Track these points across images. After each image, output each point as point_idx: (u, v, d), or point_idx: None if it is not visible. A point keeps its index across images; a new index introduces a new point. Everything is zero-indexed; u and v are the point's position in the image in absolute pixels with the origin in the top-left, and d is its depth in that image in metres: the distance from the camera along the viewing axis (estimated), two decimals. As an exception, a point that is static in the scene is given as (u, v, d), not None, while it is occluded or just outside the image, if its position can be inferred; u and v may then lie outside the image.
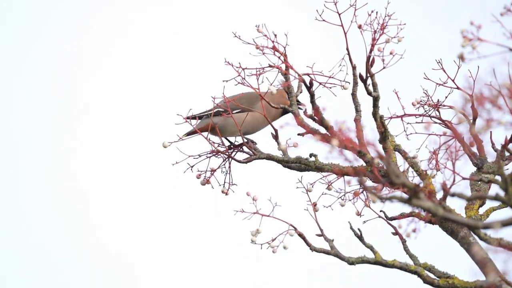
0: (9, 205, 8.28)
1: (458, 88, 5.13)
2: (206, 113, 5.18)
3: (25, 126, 8.60)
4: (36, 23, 8.86)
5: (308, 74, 4.81)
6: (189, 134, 5.14)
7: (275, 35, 4.80)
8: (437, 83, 5.16)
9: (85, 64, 8.75)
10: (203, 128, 5.14)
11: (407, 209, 4.90)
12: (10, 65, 8.75)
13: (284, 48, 4.82)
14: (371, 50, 4.69)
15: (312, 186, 5.08)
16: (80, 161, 8.41)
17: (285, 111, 5.15)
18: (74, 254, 8.14)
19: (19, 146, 8.53)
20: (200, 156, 5.11)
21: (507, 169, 5.00)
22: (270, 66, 4.86)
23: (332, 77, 4.87)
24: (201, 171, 5.10)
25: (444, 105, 5.19)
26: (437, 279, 4.80)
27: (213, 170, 5.11)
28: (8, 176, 8.40)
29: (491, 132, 5.04)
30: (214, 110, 5.12)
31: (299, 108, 5.05)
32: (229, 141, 5.20)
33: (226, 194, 5.12)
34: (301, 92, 5.10)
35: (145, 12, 8.85)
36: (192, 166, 5.09)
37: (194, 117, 5.21)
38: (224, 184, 5.13)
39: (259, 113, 5.08)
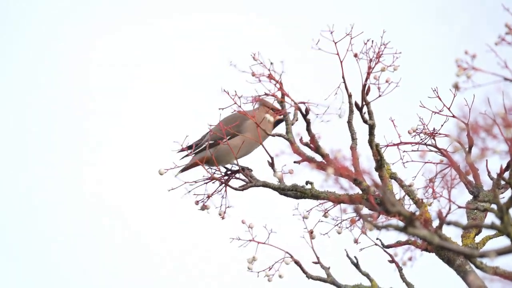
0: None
1: (453, 116, 5.14)
2: (202, 146, 5.20)
3: (35, 154, 8.60)
4: (40, 52, 8.89)
5: (304, 102, 4.82)
6: (185, 168, 5.18)
7: (271, 63, 4.82)
8: (433, 111, 5.18)
9: (86, 91, 8.77)
10: (201, 160, 5.15)
11: (403, 237, 4.90)
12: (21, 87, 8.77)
13: (280, 75, 4.83)
14: (367, 78, 4.71)
15: (309, 214, 5.08)
16: (81, 187, 8.40)
17: (278, 121, 5.20)
18: None
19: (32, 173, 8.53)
20: (196, 182, 5.12)
21: (503, 197, 5.01)
22: (266, 94, 4.87)
23: (327, 106, 4.88)
24: (198, 194, 5.10)
25: (440, 134, 5.20)
26: (434, 307, 4.79)
27: (209, 196, 5.11)
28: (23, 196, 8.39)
29: (486, 160, 5.05)
30: (209, 142, 5.15)
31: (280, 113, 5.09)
32: (225, 167, 5.20)
33: (223, 217, 5.12)
34: (297, 120, 5.11)
35: (143, 41, 8.89)
36: (189, 191, 5.09)
37: (189, 147, 5.23)
38: (220, 207, 5.13)
39: (253, 139, 5.09)
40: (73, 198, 8.35)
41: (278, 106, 5.19)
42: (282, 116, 5.14)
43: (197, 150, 5.21)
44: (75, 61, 8.82)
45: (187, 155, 5.16)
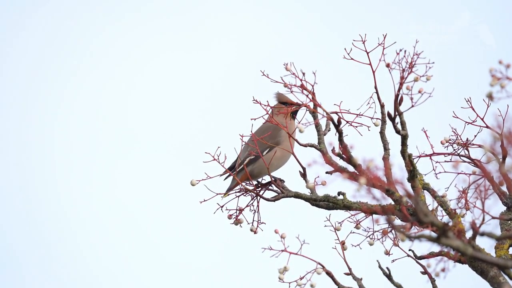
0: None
1: (487, 126, 5.11)
2: (241, 166, 5.22)
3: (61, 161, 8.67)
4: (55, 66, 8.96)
5: (336, 112, 4.82)
6: (229, 189, 5.19)
7: (303, 74, 4.82)
8: (466, 122, 5.15)
9: (117, 100, 8.82)
10: (242, 178, 5.17)
11: (436, 248, 4.87)
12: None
13: (312, 86, 4.83)
14: (399, 89, 4.69)
15: (341, 225, 5.07)
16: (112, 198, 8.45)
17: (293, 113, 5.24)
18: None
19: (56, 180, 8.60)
20: (228, 194, 5.13)
21: (537, 208, 4.97)
22: (298, 104, 4.87)
23: (360, 115, 4.88)
24: (231, 210, 5.12)
25: (473, 144, 5.17)
26: (467, 319, 4.75)
27: (241, 209, 5.13)
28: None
29: (521, 171, 5.01)
30: (247, 160, 5.18)
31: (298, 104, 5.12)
32: (257, 180, 5.22)
33: (255, 232, 5.13)
34: (329, 130, 5.11)
35: (174, 48, 8.93)
36: (222, 206, 5.11)
37: (231, 168, 5.26)
38: (252, 223, 5.14)
39: (286, 150, 5.10)
40: (103, 207, 8.40)
41: (291, 98, 5.19)
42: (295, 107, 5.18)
43: (239, 170, 5.23)
44: (111, 61, 8.89)
45: (225, 174, 5.17)
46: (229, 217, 5.14)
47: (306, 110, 4.97)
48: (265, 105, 4.90)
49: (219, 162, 4.97)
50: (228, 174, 5.17)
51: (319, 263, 4.86)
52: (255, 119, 4.92)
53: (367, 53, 4.79)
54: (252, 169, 5.23)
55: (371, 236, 5.10)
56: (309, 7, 8.73)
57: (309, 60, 5.16)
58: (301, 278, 4.85)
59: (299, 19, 8.77)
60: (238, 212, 5.14)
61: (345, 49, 4.80)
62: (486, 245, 4.80)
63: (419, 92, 4.67)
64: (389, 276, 4.89)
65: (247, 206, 5.14)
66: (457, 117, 5.17)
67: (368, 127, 4.91)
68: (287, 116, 5.22)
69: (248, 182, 5.18)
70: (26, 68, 8.88)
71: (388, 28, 4.85)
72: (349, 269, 4.92)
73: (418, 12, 8.35)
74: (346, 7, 8.52)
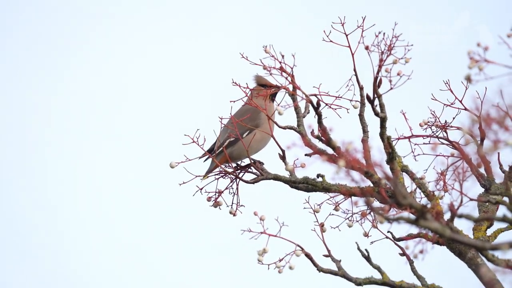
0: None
1: (465, 109, 5.13)
2: (220, 148, 5.21)
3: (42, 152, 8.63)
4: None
5: (315, 95, 4.82)
6: (208, 172, 5.18)
7: (283, 56, 4.81)
8: (444, 104, 5.17)
9: (97, 82, 8.79)
10: (221, 161, 5.17)
11: (414, 230, 4.89)
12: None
13: (292, 68, 4.83)
14: (378, 71, 4.69)
15: (320, 207, 5.08)
16: (89, 181, 8.42)
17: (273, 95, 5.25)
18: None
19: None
20: (208, 177, 5.13)
21: (515, 190, 4.99)
22: (277, 86, 4.87)
23: (339, 98, 4.88)
24: (210, 192, 5.12)
25: (451, 126, 5.19)
26: (445, 300, 4.79)
27: (220, 192, 5.13)
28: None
29: (498, 153, 5.04)
30: (226, 142, 5.18)
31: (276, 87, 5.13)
32: (236, 163, 5.22)
33: (234, 215, 5.14)
34: (308, 113, 5.11)
35: (155, 33, 8.89)
36: (201, 189, 5.10)
37: (209, 150, 5.25)
38: (232, 205, 5.15)
39: (266, 133, 5.10)
40: (80, 190, 8.38)
41: (270, 80, 5.19)
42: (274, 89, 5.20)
43: (218, 152, 5.23)
44: (89, 55, 8.85)
45: (205, 154, 5.15)
46: (208, 199, 5.15)
47: (285, 92, 4.96)
48: (244, 88, 4.90)
49: (198, 145, 4.97)
50: (207, 156, 5.16)
51: (298, 245, 4.87)
52: (234, 101, 4.91)
53: (346, 35, 4.79)
54: (232, 151, 5.23)
55: (350, 218, 5.12)
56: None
57: (288, 42, 5.15)
58: (280, 260, 4.85)
59: (278, 1, 8.75)
60: (217, 194, 5.14)
61: (324, 31, 4.80)
62: (464, 227, 4.83)
63: (398, 74, 4.67)
64: (367, 258, 4.91)
65: (226, 188, 5.15)
66: (436, 100, 5.18)
67: (347, 109, 4.91)
68: (266, 99, 5.22)
69: (227, 165, 5.18)
70: (12, 59, 8.83)
71: (367, 10, 4.84)
72: (328, 251, 4.94)
73: (418, 12, 8.36)
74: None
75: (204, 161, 5.22)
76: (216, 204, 5.14)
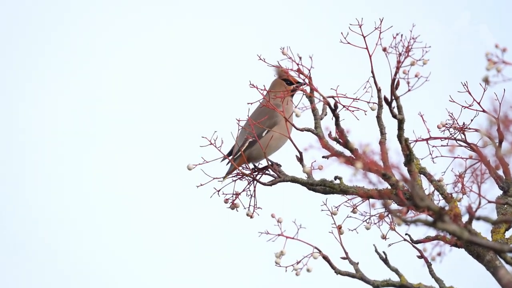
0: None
1: (483, 111, 5.11)
2: (239, 151, 5.20)
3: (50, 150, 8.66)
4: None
5: (332, 97, 4.81)
6: (228, 174, 5.18)
7: (300, 58, 4.81)
8: (462, 106, 5.15)
9: (113, 84, 8.81)
10: (239, 163, 5.17)
11: (432, 232, 4.88)
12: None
13: (309, 70, 4.82)
14: (396, 73, 4.68)
15: (337, 209, 5.08)
16: (105, 182, 8.44)
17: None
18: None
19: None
20: (227, 178, 5.13)
21: (534, 192, 4.97)
22: (294, 88, 4.87)
23: (357, 99, 4.87)
24: (227, 194, 5.12)
25: (469, 128, 5.18)
26: (463, 303, 4.77)
27: (237, 194, 5.13)
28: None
29: (517, 155, 5.02)
30: (245, 145, 5.17)
31: (299, 83, 5.09)
32: (253, 164, 5.22)
33: (251, 217, 5.14)
34: (325, 115, 5.10)
35: (171, 34, 8.91)
36: (218, 191, 5.11)
37: (229, 153, 5.24)
38: (249, 207, 5.15)
39: (283, 135, 5.09)
40: (98, 193, 8.41)
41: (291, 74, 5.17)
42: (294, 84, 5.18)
43: (236, 156, 5.22)
44: (99, 52, 8.87)
45: (224, 158, 5.15)
46: (226, 201, 5.15)
47: (303, 94, 4.96)
48: (261, 90, 4.90)
49: (215, 147, 4.97)
50: (225, 159, 5.15)
51: (316, 248, 4.87)
52: (251, 103, 4.92)
53: (364, 37, 4.79)
54: (250, 151, 5.22)
55: (367, 221, 5.12)
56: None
57: (306, 44, 5.15)
58: (297, 262, 4.85)
59: (296, 3, 8.75)
60: (234, 196, 5.14)
61: (341, 33, 4.79)
62: (482, 229, 4.82)
63: (416, 76, 4.66)
64: (385, 260, 4.90)
65: (243, 190, 5.15)
66: (454, 101, 5.17)
67: (364, 111, 4.90)
68: (286, 97, 5.17)
69: (244, 166, 5.18)
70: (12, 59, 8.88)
71: (384, 12, 4.83)
72: (346, 253, 4.93)
73: (418, 12, 8.35)
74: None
75: (226, 164, 5.22)
76: (233, 206, 5.14)
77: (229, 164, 5.21)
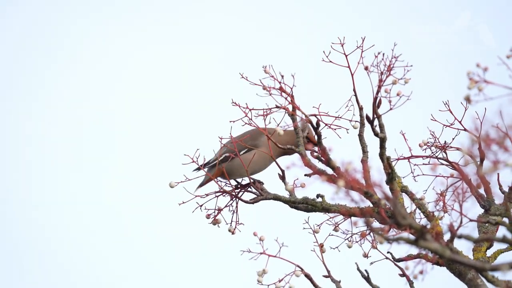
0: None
1: (465, 129, 5.14)
2: (214, 162, 5.19)
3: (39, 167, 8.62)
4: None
5: (315, 115, 4.82)
6: (201, 185, 5.18)
7: (282, 76, 4.82)
8: (444, 125, 5.17)
9: (95, 100, 8.80)
10: (215, 175, 5.15)
11: (414, 250, 4.89)
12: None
13: (291, 89, 4.83)
14: (378, 92, 4.70)
15: (319, 227, 5.08)
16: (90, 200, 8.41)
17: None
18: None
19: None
20: (207, 195, 5.12)
21: (515, 211, 4.99)
22: (277, 106, 4.88)
23: (339, 118, 4.88)
24: (209, 209, 5.11)
25: (451, 147, 5.19)
26: (445, 321, 4.77)
27: (219, 209, 5.12)
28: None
29: (498, 174, 5.04)
30: (222, 157, 5.15)
31: (313, 151, 5.06)
32: (236, 181, 5.21)
33: (233, 233, 5.13)
34: (307, 133, 5.11)
35: (152, 51, 8.91)
36: (200, 206, 5.09)
37: (206, 164, 5.22)
38: (231, 223, 5.13)
39: (265, 152, 5.09)
40: (79, 209, 8.37)
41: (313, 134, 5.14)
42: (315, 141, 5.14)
43: (210, 165, 5.21)
44: (85, 67, 8.86)
45: (197, 169, 5.14)
46: (207, 216, 5.13)
47: (285, 112, 4.96)
48: (244, 108, 4.90)
49: (198, 164, 4.96)
50: (197, 168, 5.12)
51: (298, 266, 4.86)
52: (234, 121, 4.91)
53: (346, 56, 4.80)
54: (231, 166, 5.20)
55: (349, 239, 5.12)
56: (289, 9, 8.74)
57: (288, 62, 5.16)
58: (280, 281, 4.84)
59: (278, 22, 8.77)
60: (216, 212, 5.13)
61: (323, 51, 4.81)
62: (464, 247, 4.82)
63: (398, 95, 4.68)
64: (367, 279, 4.90)
65: (225, 206, 5.14)
66: (435, 120, 5.19)
67: (346, 129, 4.92)
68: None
69: (226, 183, 5.17)
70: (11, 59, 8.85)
71: (366, 31, 4.85)
72: (328, 271, 4.93)
73: (418, 12, 8.38)
74: (329, 9, 8.53)
75: (193, 170, 5.18)
76: (215, 222, 5.13)
77: (204, 175, 5.19)
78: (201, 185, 5.21)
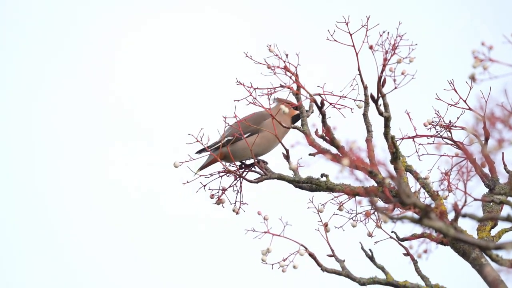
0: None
1: (469, 108, 5.12)
2: (218, 143, 5.18)
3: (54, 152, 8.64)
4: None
5: (319, 94, 4.81)
6: (204, 166, 5.19)
7: (287, 55, 4.81)
8: (448, 104, 5.16)
9: (102, 80, 8.79)
10: (219, 156, 5.14)
11: (418, 229, 4.88)
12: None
13: (296, 68, 4.82)
14: (382, 71, 4.69)
15: (323, 207, 5.08)
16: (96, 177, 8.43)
17: (295, 119, 5.19)
18: None
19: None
20: (211, 175, 5.12)
21: (519, 190, 4.98)
22: (281, 86, 4.86)
23: (344, 97, 4.87)
24: (213, 190, 5.11)
25: (455, 126, 5.18)
26: (449, 300, 4.78)
27: (224, 189, 5.12)
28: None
29: (503, 153, 5.03)
30: (225, 139, 5.15)
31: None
32: (240, 161, 5.21)
33: (237, 213, 5.13)
34: (312, 112, 5.10)
35: (155, 31, 8.89)
36: (204, 186, 5.10)
37: (210, 146, 5.21)
38: (235, 203, 5.14)
39: (269, 132, 5.08)
40: (85, 195, 8.38)
41: (293, 100, 5.18)
42: (298, 111, 5.15)
43: (215, 147, 5.20)
44: (95, 58, 8.85)
45: (201, 150, 5.14)
46: (212, 196, 5.13)
47: (289, 91, 4.95)
48: (248, 87, 4.89)
49: (202, 144, 4.96)
50: (201, 150, 5.13)
51: (302, 245, 4.87)
52: (238, 100, 4.91)
53: (351, 35, 4.78)
54: (235, 148, 5.20)
55: (354, 218, 5.12)
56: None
57: (293, 41, 5.15)
58: (284, 260, 4.85)
59: (282, 1, 8.75)
60: (221, 192, 5.13)
61: (328, 30, 4.79)
62: (468, 226, 4.83)
63: (402, 74, 4.67)
64: (371, 258, 4.90)
65: (230, 186, 5.14)
66: (440, 99, 5.17)
67: (351, 109, 4.90)
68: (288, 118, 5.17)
69: (230, 164, 5.17)
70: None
71: (371, 9, 4.84)
72: (332, 250, 4.93)
73: (418, 12, 8.36)
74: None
75: (196, 152, 5.18)
76: (219, 202, 5.13)
77: (208, 156, 5.19)
78: (203, 166, 5.21)
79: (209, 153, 5.14)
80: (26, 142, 8.63)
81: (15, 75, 8.81)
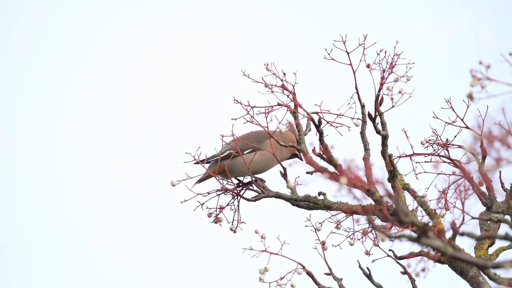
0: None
1: (467, 127, 5.13)
2: (216, 157, 5.18)
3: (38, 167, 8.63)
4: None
5: (316, 113, 4.82)
6: (200, 180, 5.18)
7: (284, 74, 4.82)
8: (446, 122, 5.17)
9: (98, 99, 8.80)
10: (216, 172, 5.14)
11: (416, 248, 4.88)
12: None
13: (293, 86, 4.83)
14: (380, 89, 4.70)
15: (321, 225, 5.08)
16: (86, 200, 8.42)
17: (294, 154, 5.20)
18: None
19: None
20: (209, 193, 5.12)
21: (517, 208, 4.99)
22: (279, 104, 4.87)
23: (341, 115, 4.87)
24: (211, 208, 5.11)
25: (453, 144, 5.19)
26: (447, 319, 4.77)
27: (221, 208, 5.12)
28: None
29: (500, 171, 5.04)
30: (224, 154, 5.14)
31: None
32: (237, 179, 5.20)
33: (235, 231, 5.13)
34: (309, 131, 5.11)
35: (155, 49, 8.91)
36: (202, 204, 5.09)
37: (208, 161, 5.20)
38: (232, 222, 5.13)
39: (268, 151, 5.08)
40: (84, 207, 8.37)
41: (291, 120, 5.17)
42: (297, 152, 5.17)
43: (212, 162, 5.20)
44: (84, 68, 8.86)
45: (197, 163, 5.14)
46: (209, 215, 5.13)
47: (287, 110, 4.96)
48: (245, 105, 4.89)
49: (199, 162, 4.96)
50: (197, 162, 5.11)
51: (300, 263, 4.86)
52: (236, 119, 4.91)
53: (348, 53, 4.80)
54: (233, 164, 5.19)
55: (351, 236, 5.11)
56: (291, 7, 8.74)
57: (290, 60, 5.16)
58: (281, 278, 4.84)
59: (280, 19, 8.77)
60: (218, 210, 5.12)
61: (325, 49, 4.80)
62: (466, 245, 4.82)
63: (400, 92, 4.68)
64: (369, 276, 4.90)
65: (227, 205, 5.13)
66: (437, 118, 5.18)
67: (348, 127, 4.91)
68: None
69: (228, 181, 5.17)
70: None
71: (368, 28, 4.85)
72: (330, 269, 4.93)
73: (418, 12, 8.37)
74: (330, 6, 8.53)
75: (194, 164, 5.16)
76: (217, 220, 5.13)
77: (204, 171, 5.19)
78: (200, 180, 5.20)
79: (205, 167, 5.13)
80: (26, 142, 8.63)
81: (15, 75, 8.82)
